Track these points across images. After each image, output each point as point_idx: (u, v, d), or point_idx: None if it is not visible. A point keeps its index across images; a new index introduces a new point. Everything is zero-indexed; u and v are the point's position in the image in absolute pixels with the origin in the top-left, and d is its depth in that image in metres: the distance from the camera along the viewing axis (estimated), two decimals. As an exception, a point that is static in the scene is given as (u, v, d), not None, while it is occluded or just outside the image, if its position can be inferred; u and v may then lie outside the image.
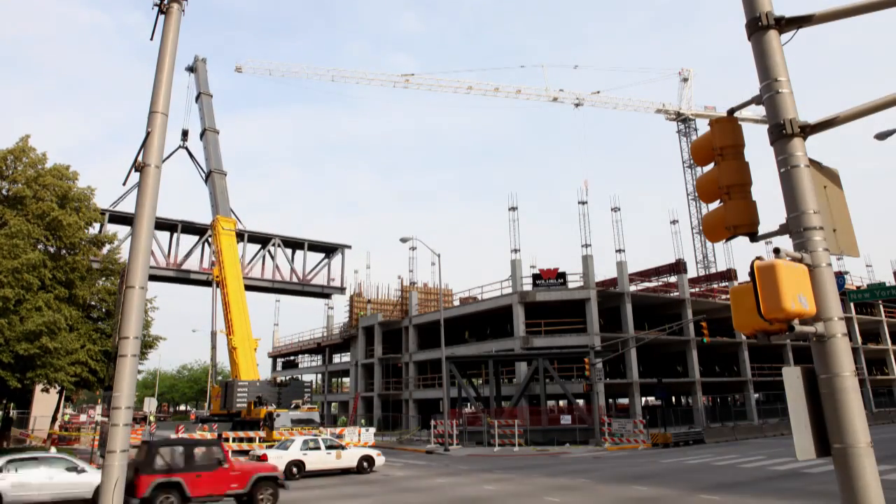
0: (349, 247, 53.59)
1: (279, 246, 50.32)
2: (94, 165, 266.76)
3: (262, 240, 50.25)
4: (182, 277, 46.49)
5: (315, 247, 52.72)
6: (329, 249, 53.32)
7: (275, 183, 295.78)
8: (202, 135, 46.93)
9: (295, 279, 51.14)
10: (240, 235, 48.52)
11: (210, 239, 44.77)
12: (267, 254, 49.95)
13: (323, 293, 54.18)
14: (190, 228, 47.19)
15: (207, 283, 45.19)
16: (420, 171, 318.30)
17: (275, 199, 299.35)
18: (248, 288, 50.52)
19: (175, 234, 46.98)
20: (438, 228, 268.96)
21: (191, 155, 47.83)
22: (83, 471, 15.05)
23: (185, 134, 47.89)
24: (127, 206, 44.08)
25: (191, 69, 50.63)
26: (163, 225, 46.11)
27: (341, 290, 53.79)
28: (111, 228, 34.74)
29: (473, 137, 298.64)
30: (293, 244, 51.71)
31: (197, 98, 48.50)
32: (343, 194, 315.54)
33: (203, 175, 45.61)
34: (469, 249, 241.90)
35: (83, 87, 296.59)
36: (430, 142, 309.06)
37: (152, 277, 45.25)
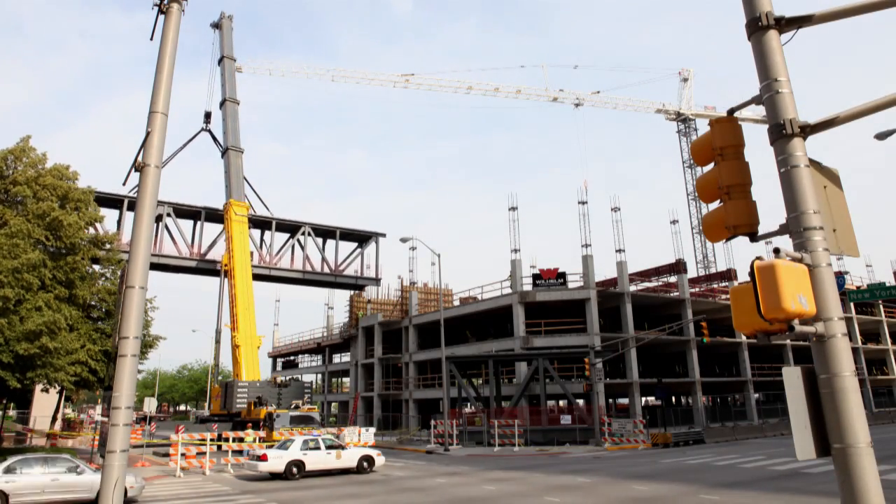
0: (383, 235, 52.33)
1: (309, 235, 48.68)
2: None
3: (291, 228, 48.58)
4: (205, 268, 44.99)
5: (347, 235, 51.07)
6: (362, 238, 51.71)
7: (253, 158, 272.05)
8: (222, 104, 44.88)
9: (326, 269, 49.50)
10: (267, 223, 47.18)
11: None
12: (296, 243, 48.28)
13: (357, 284, 52.57)
14: (214, 216, 45.40)
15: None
16: (418, 168, 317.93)
17: (254, 179, 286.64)
18: (278, 279, 49.03)
19: (199, 222, 45.32)
20: (438, 228, 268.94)
21: (214, 138, 46.34)
22: (83, 472, 15.26)
23: (207, 116, 46.07)
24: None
25: (216, 25, 47.89)
26: (186, 212, 44.96)
27: (376, 280, 52.17)
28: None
29: (472, 129, 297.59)
30: (324, 232, 50.12)
31: (220, 61, 46.12)
32: (336, 177, 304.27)
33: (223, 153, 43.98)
34: (469, 249, 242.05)
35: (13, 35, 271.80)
36: (429, 118, 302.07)
37: (175, 268, 44.19)
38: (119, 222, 41.68)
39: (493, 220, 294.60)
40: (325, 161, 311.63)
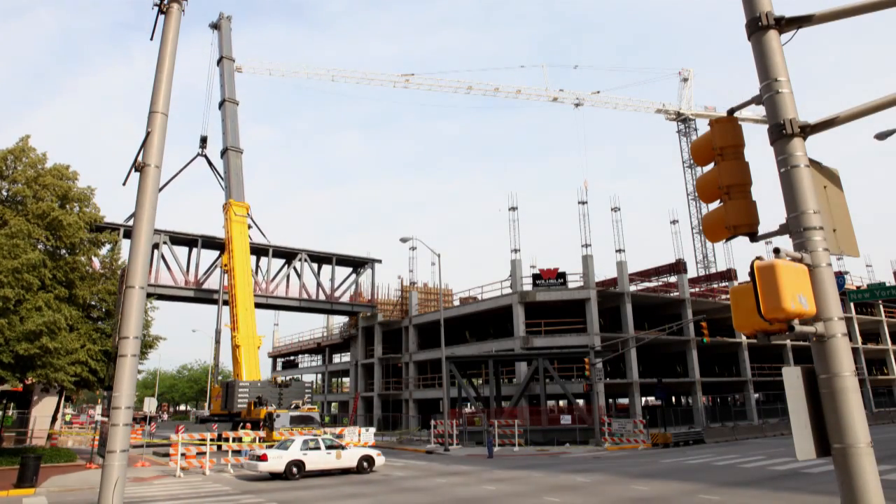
0: (379, 261, 53.38)
1: (306, 261, 49.16)
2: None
3: (288, 255, 48.85)
4: (203, 297, 44.81)
5: (342, 261, 51.96)
6: (357, 263, 52.84)
7: (244, 147, 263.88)
8: (221, 104, 44.95)
9: (322, 295, 50.16)
10: (264, 250, 47.49)
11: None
12: (293, 271, 48.76)
13: (353, 311, 53.72)
14: (212, 244, 45.16)
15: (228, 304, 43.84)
16: (416, 157, 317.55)
17: (247, 171, 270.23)
18: (276, 307, 49.75)
19: (195, 250, 45.17)
20: (437, 222, 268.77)
21: (210, 163, 46.28)
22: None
23: (203, 141, 45.93)
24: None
25: (214, 26, 47.94)
26: (181, 240, 44.74)
27: (372, 307, 53.29)
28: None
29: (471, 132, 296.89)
30: (320, 258, 50.74)
31: (218, 62, 46.24)
32: (330, 165, 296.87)
33: (223, 187, 43.50)
34: (469, 246, 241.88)
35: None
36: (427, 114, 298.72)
37: (171, 297, 43.96)
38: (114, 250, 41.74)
39: (493, 217, 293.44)
40: (317, 146, 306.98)
